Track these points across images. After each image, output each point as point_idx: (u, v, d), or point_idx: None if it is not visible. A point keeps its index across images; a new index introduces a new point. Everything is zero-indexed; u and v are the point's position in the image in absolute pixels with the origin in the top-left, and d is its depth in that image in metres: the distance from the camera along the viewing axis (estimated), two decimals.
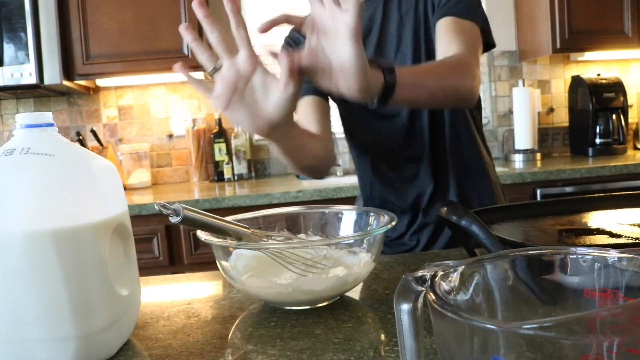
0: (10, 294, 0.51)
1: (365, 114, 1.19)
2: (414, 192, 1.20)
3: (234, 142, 2.69)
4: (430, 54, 1.12)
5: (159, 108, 2.77)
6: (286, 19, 0.72)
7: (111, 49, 2.39)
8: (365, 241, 0.71)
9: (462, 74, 0.98)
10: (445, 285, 0.35)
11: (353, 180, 2.08)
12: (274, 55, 0.71)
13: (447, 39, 1.05)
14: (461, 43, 1.02)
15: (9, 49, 2.27)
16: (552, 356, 0.27)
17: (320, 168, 1.11)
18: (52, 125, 0.57)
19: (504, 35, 2.90)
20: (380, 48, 1.17)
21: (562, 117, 2.96)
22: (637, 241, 0.60)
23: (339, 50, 0.68)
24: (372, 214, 0.79)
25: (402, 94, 0.80)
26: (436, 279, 0.34)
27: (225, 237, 0.69)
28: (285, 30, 1.15)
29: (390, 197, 1.23)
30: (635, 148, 2.91)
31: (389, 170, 1.23)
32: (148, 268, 2.05)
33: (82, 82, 2.51)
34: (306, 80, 1.19)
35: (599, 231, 0.67)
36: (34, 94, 2.60)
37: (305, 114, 1.18)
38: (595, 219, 0.75)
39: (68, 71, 2.37)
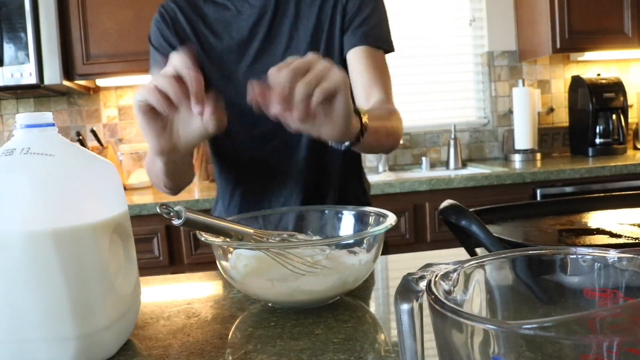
0: (10, 294, 0.51)
1: (242, 121, 1.07)
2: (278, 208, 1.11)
3: None
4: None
5: None
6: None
7: (111, 49, 2.39)
8: (365, 241, 0.71)
9: (400, 123, 1.04)
10: (445, 285, 0.35)
11: None
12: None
13: (366, 79, 1.04)
14: (382, 86, 1.04)
15: (9, 49, 2.27)
16: (552, 356, 0.27)
17: (183, 187, 1.05)
18: (52, 125, 0.57)
19: (504, 35, 2.90)
20: (267, 43, 1.07)
21: (562, 117, 2.96)
22: (637, 241, 0.60)
23: (330, 103, 0.68)
24: (372, 214, 0.79)
25: (368, 139, 0.82)
26: (436, 279, 0.34)
27: (228, 238, 0.69)
28: None
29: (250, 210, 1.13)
30: (635, 148, 2.91)
31: (255, 182, 1.13)
32: (148, 268, 2.05)
33: (82, 82, 2.51)
34: None
35: (599, 231, 0.67)
36: (34, 94, 2.60)
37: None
38: (595, 219, 0.75)
39: (68, 71, 2.37)
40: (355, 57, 1.06)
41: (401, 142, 1.13)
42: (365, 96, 1.04)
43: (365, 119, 0.80)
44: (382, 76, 1.05)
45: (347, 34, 1.06)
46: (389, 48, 1.10)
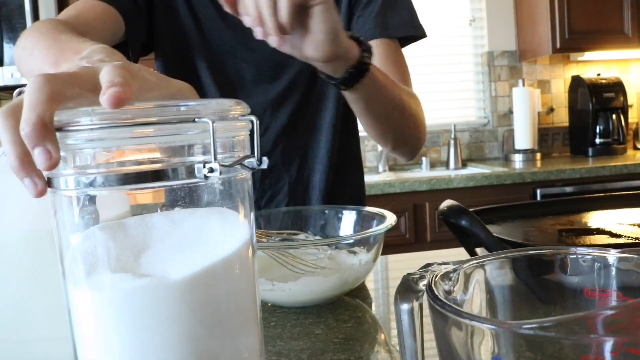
0: (10, 294, 0.51)
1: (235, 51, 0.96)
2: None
3: None
4: None
5: None
6: None
7: None
8: (365, 241, 0.71)
9: (420, 108, 0.88)
10: (445, 285, 0.35)
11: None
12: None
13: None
14: (399, 76, 0.90)
15: (9, 49, 2.27)
16: (552, 356, 0.27)
17: None
18: None
19: (504, 35, 2.90)
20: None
21: (562, 117, 2.96)
22: (637, 241, 0.60)
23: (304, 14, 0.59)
24: (371, 214, 0.79)
25: (370, 86, 0.70)
26: (436, 279, 0.34)
27: None
28: None
29: None
30: (635, 148, 2.91)
31: None
32: None
33: None
34: None
35: (599, 231, 0.67)
36: None
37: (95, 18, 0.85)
38: (595, 219, 0.75)
39: None
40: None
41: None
42: None
43: (368, 55, 0.68)
44: (399, 68, 0.93)
45: (357, 19, 0.94)
46: (413, 33, 0.95)
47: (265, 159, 0.37)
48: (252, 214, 0.40)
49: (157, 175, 0.34)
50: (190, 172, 0.34)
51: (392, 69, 0.90)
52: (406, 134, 0.87)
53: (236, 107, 0.37)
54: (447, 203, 0.64)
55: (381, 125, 0.83)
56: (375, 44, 0.90)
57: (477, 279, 0.37)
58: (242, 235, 0.39)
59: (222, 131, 0.35)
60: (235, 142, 0.38)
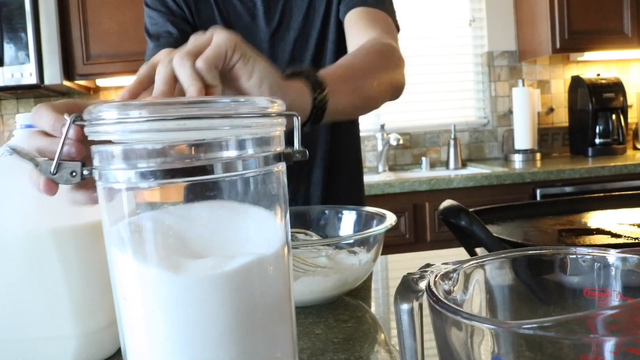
0: (10, 293, 0.52)
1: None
2: None
3: None
4: (338, 49, 1.00)
5: None
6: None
7: (111, 49, 2.39)
8: (365, 241, 0.71)
9: (392, 60, 0.83)
10: (445, 285, 0.35)
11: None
12: None
13: (358, 27, 0.92)
14: (377, 28, 0.89)
15: (9, 49, 2.27)
16: (552, 356, 0.27)
17: None
18: None
19: (504, 35, 2.90)
20: (277, 35, 1.01)
21: (561, 117, 2.96)
22: (637, 241, 0.60)
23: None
24: (371, 214, 0.79)
25: (336, 105, 0.64)
26: (436, 279, 0.34)
27: None
28: None
29: None
30: (635, 148, 2.91)
31: None
32: None
33: (83, 82, 2.50)
34: (162, 34, 1.02)
35: (599, 231, 0.67)
36: (34, 94, 2.59)
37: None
38: (595, 219, 0.75)
39: (68, 71, 2.37)
40: (348, 20, 0.95)
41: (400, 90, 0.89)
42: (356, 46, 0.87)
43: (322, 94, 0.60)
44: (374, 22, 0.91)
45: (342, 9, 0.96)
46: (388, 11, 0.96)
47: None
48: (287, 213, 0.42)
49: (203, 170, 0.35)
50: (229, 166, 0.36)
51: (368, 25, 0.90)
52: (389, 89, 0.83)
53: (273, 105, 0.39)
54: (447, 203, 0.64)
55: (363, 108, 0.81)
56: (362, 12, 0.93)
57: (477, 279, 0.37)
58: (279, 233, 0.40)
59: (258, 127, 0.37)
60: (272, 138, 0.39)
